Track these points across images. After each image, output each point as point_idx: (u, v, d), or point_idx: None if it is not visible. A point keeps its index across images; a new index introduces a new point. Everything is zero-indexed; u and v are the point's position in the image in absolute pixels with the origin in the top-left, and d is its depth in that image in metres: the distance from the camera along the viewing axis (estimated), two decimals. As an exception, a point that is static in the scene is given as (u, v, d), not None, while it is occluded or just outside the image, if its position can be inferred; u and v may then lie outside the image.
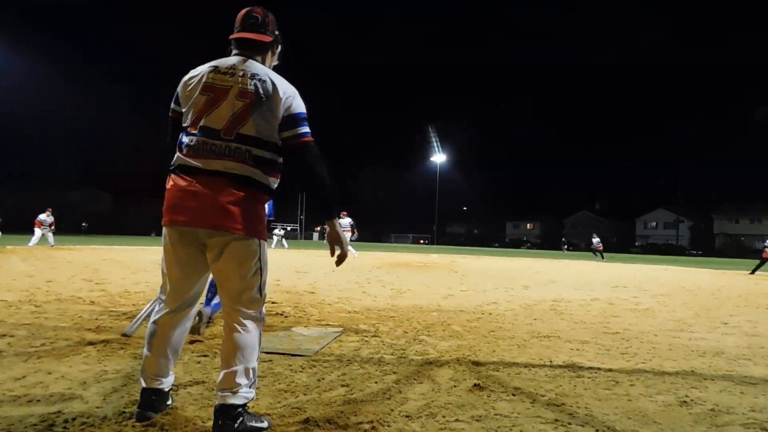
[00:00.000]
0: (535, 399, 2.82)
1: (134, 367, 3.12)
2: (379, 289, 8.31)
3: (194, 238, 2.24)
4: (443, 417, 2.47)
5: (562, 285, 10.70)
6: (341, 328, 4.71)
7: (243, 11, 2.46)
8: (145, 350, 2.34)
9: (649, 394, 3.01)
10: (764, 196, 73.41)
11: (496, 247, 72.64)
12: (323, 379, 3.07)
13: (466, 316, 5.83)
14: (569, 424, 2.44)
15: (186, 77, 2.37)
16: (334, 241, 2.40)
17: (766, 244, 15.73)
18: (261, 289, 2.32)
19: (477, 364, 3.57)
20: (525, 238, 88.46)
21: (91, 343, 3.67)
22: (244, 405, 2.19)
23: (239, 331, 2.23)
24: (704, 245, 75.68)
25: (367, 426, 2.30)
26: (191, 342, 3.84)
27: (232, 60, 2.36)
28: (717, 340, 4.92)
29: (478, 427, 2.35)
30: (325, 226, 2.38)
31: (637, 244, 79.16)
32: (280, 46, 2.55)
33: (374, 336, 4.45)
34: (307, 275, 10.65)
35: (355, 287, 8.56)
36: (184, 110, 2.33)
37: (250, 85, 2.25)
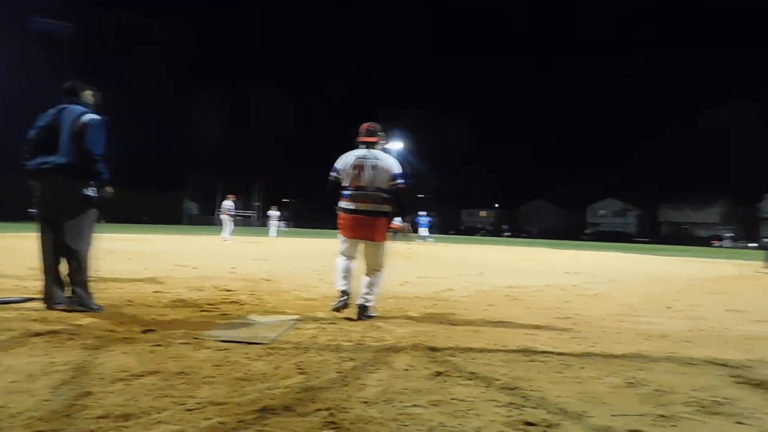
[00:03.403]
0: (490, 383, 2.89)
1: (84, 358, 3.03)
2: (335, 277, 8.26)
3: None
4: (401, 402, 2.50)
5: (517, 271, 10.94)
6: (298, 316, 4.69)
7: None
8: None
9: (598, 376, 3.12)
10: (705, 185, 76.75)
11: (451, 234, 73.55)
12: (280, 366, 3.05)
13: (422, 302, 5.90)
14: (523, 407, 2.51)
15: None
16: None
17: None
18: None
19: (434, 349, 3.62)
20: (480, 226, 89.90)
21: (37, 334, 3.53)
22: None
23: None
24: (650, 233, 78.73)
25: (325, 413, 2.31)
26: (144, 331, 3.75)
27: None
28: (662, 323, 5.14)
29: (435, 412, 2.39)
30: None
31: (587, 231, 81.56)
32: None
33: (331, 323, 4.45)
34: (263, 263, 10.54)
35: (312, 274, 8.52)
36: None
37: None
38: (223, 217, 20.62)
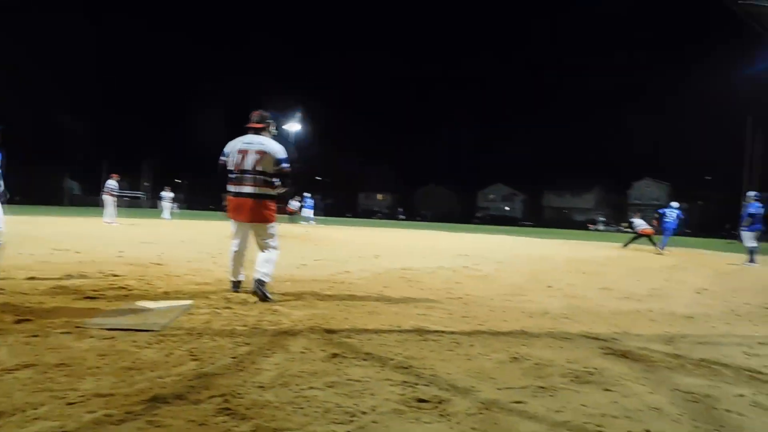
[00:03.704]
0: (385, 363, 2.98)
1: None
2: (228, 261, 8.07)
3: None
4: (297, 385, 2.52)
5: (411, 254, 11.25)
6: (191, 301, 4.54)
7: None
8: None
9: (486, 353, 3.31)
10: (585, 173, 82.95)
11: (348, 217, 74.02)
12: (172, 354, 2.96)
13: (319, 285, 5.92)
14: (416, 384, 2.62)
15: None
16: None
17: (634, 221, 17.63)
18: None
19: (330, 332, 3.66)
20: (376, 209, 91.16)
21: None
22: None
23: None
24: (534, 216, 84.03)
25: (219, 399, 2.28)
26: (18, 321, 3.47)
27: None
28: (543, 302, 5.53)
29: (331, 393, 2.43)
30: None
31: (477, 215, 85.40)
32: None
33: (226, 308, 4.35)
34: (153, 246, 10.03)
35: (206, 258, 8.25)
36: None
37: None
38: (106, 197, 19.13)
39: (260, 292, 4.79)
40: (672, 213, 16.35)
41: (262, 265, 4.95)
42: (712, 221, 57.89)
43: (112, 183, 19.35)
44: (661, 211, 16.84)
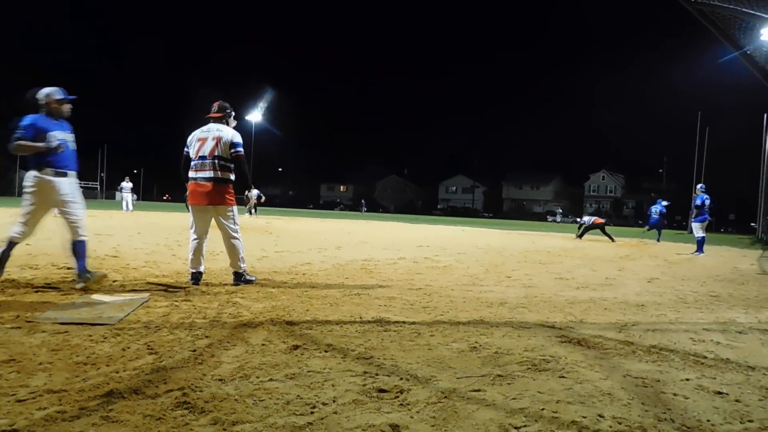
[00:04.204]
0: (346, 354, 2.99)
1: None
2: (188, 253, 7.93)
3: None
4: (257, 378, 2.50)
5: (372, 245, 11.27)
6: (148, 294, 4.45)
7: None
8: None
9: (446, 342, 3.36)
10: (542, 166, 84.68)
11: (310, 208, 73.55)
12: (128, 348, 2.90)
13: (280, 276, 5.88)
14: (377, 375, 2.64)
15: None
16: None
17: (584, 220, 18.57)
18: None
19: (291, 323, 3.65)
20: (339, 200, 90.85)
21: None
22: None
23: None
24: (494, 208, 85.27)
25: (177, 393, 2.24)
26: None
27: None
28: (502, 292, 5.63)
29: (291, 385, 2.43)
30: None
31: (439, 207, 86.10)
32: None
33: (185, 300, 4.28)
34: (109, 238, 9.78)
35: (164, 250, 8.09)
36: None
37: None
38: None
39: (243, 282, 5.19)
40: (656, 209, 18.39)
41: (232, 257, 5.23)
42: (664, 213, 59.73)
43: None
44: (651, 208, 18.83)
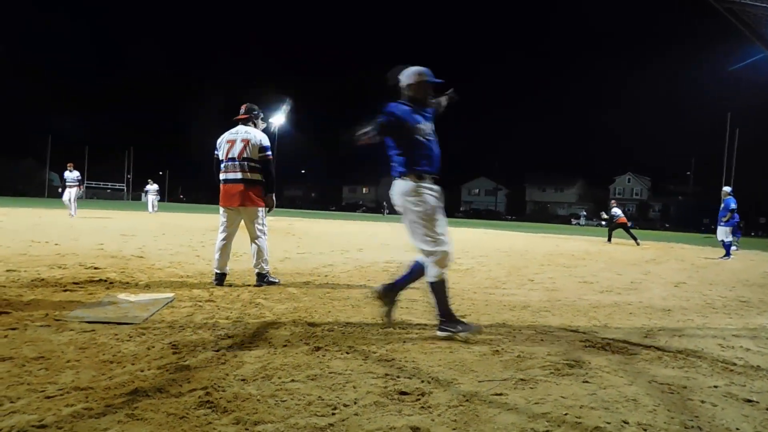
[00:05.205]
0: (367, 356, 2.99)
1: None
2: (214, 253, 8.03)
3: None
4: (279, 378, 2.52)
5: (395, 247, 11.26)
6: (173, 294, 4.51)
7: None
8: None
9: (467, 345, 3.34)
10: (566, 168, 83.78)
11: (332, 210, 73.82)
12: (153, 347, 2.94)
13: (302, 278, 5.91)
14: (398, 377, 2.63)
15: None
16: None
17: (609, 215, 17.46)
18: None
19: (313, 325, 3.67)
20: (361, 202, 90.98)
21: None
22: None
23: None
24: (517, 211, 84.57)
25: (201, 392, 2.27)
26: (-6, 314, 3.42)
27: None
28: (524, 295, 5.58)
29: (313, 386, 2.44)
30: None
31: (461, 209, 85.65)
32: None
33: (209, 301, 4.33)
34: (134, 239, 9.94)
35: (188, 251, 8.20)
36: None
37: None
38: (70, 189, 17.88)
39: (266, 283, 5.28)
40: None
41: (257, 258, 5.30)
42: (691, 216, 58.90)
43: (70, 174, 18.25)
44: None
